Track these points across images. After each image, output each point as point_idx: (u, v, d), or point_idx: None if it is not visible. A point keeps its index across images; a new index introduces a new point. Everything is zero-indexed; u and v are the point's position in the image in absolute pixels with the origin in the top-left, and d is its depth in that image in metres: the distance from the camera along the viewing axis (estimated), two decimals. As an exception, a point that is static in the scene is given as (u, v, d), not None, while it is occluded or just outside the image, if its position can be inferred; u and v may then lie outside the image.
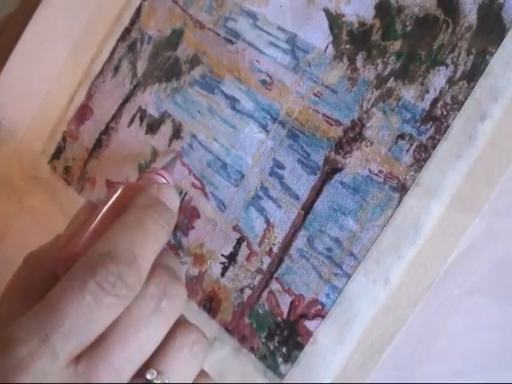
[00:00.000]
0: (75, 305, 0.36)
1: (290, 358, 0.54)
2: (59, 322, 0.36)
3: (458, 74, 0.50)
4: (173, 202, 0.47)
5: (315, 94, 0.57)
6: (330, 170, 0.55)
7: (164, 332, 0.41)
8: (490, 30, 0.50)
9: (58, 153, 0.75)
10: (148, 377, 0.39)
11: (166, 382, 0.40)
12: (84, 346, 0.37)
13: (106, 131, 0.71)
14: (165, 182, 0.54)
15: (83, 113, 0.74)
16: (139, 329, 0.39)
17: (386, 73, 0.54)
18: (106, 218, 0.44)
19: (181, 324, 0.42)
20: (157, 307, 0.40)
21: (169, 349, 0.41)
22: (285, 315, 0.55)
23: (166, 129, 0.66)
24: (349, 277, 0.52)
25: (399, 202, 0.51)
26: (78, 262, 0.39)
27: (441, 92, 0.51)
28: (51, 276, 0.44)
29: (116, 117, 0.70)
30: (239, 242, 0.58)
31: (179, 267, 0.46)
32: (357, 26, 0.56)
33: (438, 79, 0.51)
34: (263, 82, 0.60)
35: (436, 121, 0.51)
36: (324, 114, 0.56)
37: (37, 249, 0.48)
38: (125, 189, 0.46)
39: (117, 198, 0.45)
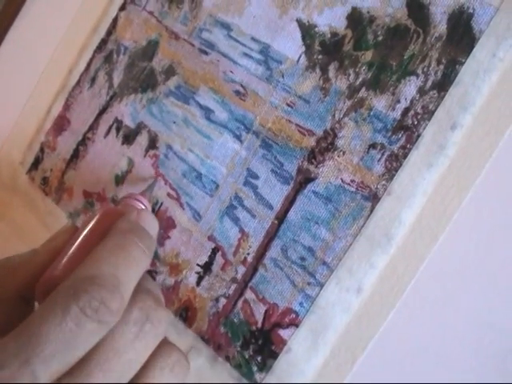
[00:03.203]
0: (57, 330, 0.36)
1: (264, 367, 0.54)
2: (40, 347, 0.35)
3: (429, 83, 0.51)
4: (152, 227, 0.48)
5: (288, 104, 0.57)
6: (303, 180, 0.55)
7: (146, 356, 0.40)
8: (459, 40, 0.50)
9: (35, 163, 0.75)
10: None
11: None
12: (65, 369, 0.37)
13: (83, 142, 0.71)
14: (142, 206, 0.54)
15: (61, 123, 0.74)
16: (122, 353, 0.39)
17: (357, 83, 0.54)
18: (86, 243, 0.44)
19: (162, 345, 0.42)
20: (140, 332, 0.40)
21: (150, 370, 0.41)
22: (259, 324, 0.55)
23: (142, 139, 0.66)
24: (322, 285, 0.52)
25: (371, 211, 0.51)
26: (60, 286, 0.38)
27: (412, 102, 0.51)
28: (21, 290, 0.44)
29: (93, 127, 0.71)
30: (214, 251, 0.59)
31: (159, 291, 0.46)
32: (329, 36, 0.57)
33: (409, 89, 0.52)
34: (237, 92, 0.61)
35: (407, 130, 0.51)
36: (297, 124, 0.57)
37: (7, 258, 0.47)
38: (104, 213, 0.46)
39: (96, 222, 0.45)
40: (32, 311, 0.46)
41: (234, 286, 0.57)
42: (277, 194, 0.56)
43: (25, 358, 0.35)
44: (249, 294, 0.56)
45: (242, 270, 0.57)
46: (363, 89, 0.54)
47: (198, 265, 0.59)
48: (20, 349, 0.35)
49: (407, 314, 0.50)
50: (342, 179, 0.53)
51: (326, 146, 0.55)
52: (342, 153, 0.54)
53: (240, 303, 0.56)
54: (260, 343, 0.54)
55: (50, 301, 0.38)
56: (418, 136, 0.50)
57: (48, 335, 0.36)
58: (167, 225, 0.62)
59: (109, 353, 0.38)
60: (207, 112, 0.62)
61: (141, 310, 0.40)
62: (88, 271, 0.39)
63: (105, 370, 0.38)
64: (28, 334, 0.36)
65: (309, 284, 0.53)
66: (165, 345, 0.42)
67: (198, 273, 0.59)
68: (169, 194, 0.63)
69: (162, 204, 0.63)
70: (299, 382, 0.52)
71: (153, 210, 0.63)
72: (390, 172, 0.51)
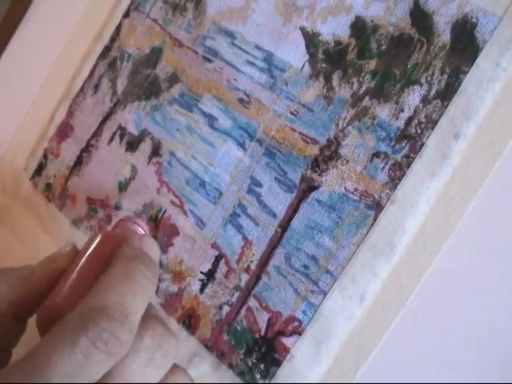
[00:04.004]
0: (65, 361, 0.35)
1: (267, 375, 0.54)
2: (48, 378, 0.35)
3: (432, 92, 0.51)
4: (154, 253, 0.47)
5: (292, 113, 0.58)
6: (307, 188, 0.55)
7: (156, 382, 0.40)
8: (463, 50, 0.50)
9: (39, 170, 0.75)
10: None
11: None
12: None
13: (87, 148, 0.71)
14: (142, 231, 0.54)
15: (64, 130, 0.74)
16: (132, 380, 0.39)
17: (361, 91, 0.54)
18: (87, 269, 0.44)
19: (171, 368, 0.42)
20: (151, 359, 0.40)
21: None
22: (262, 332, 0.55)
23: (146, 146, 0.66)
24: (325, 294, 0.53)
25: (374, 220, 0.52)
26: (67, 317, 0.38)
27: (415, 111, 0.52)
28: (14, 307, 0.44)
29: (96, 134, 0.71)
30: (217, 259, 0.59)
31: (162, 317, 0.46)
32: (333, 44, 0.57)
33: (413, 98, 0.52)
34: (241, 100, 0.61)
35: (410, 139, 0.51)
36: (300, 133, 0.57)
37: (2, 271, 0.46)
38: (104, 238, 0.46)
39: (97, 247, 0.45)
40: (24, 329, 0.46)
41: (237, 294, 0.57)
42: (280, 202, 0.56)
43: None
44: (252, 302, 0.56)
45: (245, 277, 0.57)
46: (367, 97, 0.54)
47: (201, 272, 0.59)
48: (27, 379, 0.35)
49: (410, 323, 0.50)
50: (345, 188, 0.54)
51: (329, 154, 0.55)
52: (345, 161, 0.54)
53: (243, 311, 0.56)
54: (263, 351, 0.55)
55: (57, 331, 0.37)
56: (422, 145, 0.51)
57: (56, 366, 0.35)
58: (170, 232, 0.62)
59: (119, 381, 0.38)
60: (211, 120, 0.62)
61: (152, 338, 0.40)
62: (96, 301, 0.39)
63: None
64: (36, 364, 0.35)
65: (312, 292, 0.53)
66: (173, 367, 0.42)
67: (201, 280, 0.59)
68: (172, 202, 0.63)
69: (165, 211, 0.63)
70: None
71: (156, 218, 0.63)
72: (394, 181, 0.51)
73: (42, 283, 0.45)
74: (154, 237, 0.63)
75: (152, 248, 0.47)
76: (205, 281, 0.59)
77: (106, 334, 0.37)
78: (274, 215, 0.57)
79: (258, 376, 0.54)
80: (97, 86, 0.73)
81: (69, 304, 0.39)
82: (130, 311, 0.39)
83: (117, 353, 0.37)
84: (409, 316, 0.50)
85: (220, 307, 0.58)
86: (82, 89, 0.74)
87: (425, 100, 0.51)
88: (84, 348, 0.36)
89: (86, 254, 0.45)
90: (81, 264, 0.44)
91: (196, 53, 0.65)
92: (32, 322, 0.43)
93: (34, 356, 0.36)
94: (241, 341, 0.56)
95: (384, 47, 0.54)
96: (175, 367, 0.43)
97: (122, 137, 0.68)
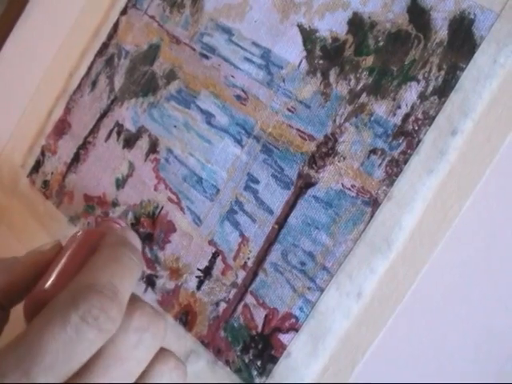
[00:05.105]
0: (56, 339, 0.35)
1: (264, 371, 0.54)
2: (40, 357, 0.35)
3: (430, 89, 0.51)
4: (137, 243, 0.49)
5: (289, 109, 0.58)
6: (304, 185, 0.55)
7: (146, 363, 0.41)
8: (460, 46, 0.50)
9: (36, 167, 0.75)
10: None
11: None
12: (66, 378, 0.36)
13: (84, 146, 0.71)
14: None
15: (61, 127, 0.74)
16: (123, 360, 0.39)
17: (358, 88, 0.54)
18: (73, 260, 0.45)
19: (159, 351, 0.42)
20: (140, 339, 0.40)
21: (149, 376, 0.41)
22: (259, 329, 0.55)
23: (143, 143, 0.66)
24: (322, 290, 0.53)
25: (371, 217, 0.51)
26: (57, 296, 0.38)
27: (412, 107, 0.52)
28: None
29: (93, 131, 0.71)
30: (214, 256, 0.59)
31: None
32: (330, 41, 0.57)
33: (410, 94, 0.52)
34: (238, 97, 0.61)
35: (407, 136, 0.51)
36: (298, 129, 0.57)
37: None
38: (87, 233, 0.47)
39: (81, 241, 0.46)
40: (7, 318, 0.47)
41: (234, 291, 0.57)
42: (277, 198, 0.56)
43: (25, 368, 0.35)
44: (249, 299, 0.56)
45: (242, 274, 0.57)
46: (364, 94, 0.54)
47: (198, 269, 0.59)
48: (20, 359, 0.35)
49: (407, 320, 0.50)
50: (342, 184, 0.53)
51: (326, 150, 0.55)
52: (342, 158, 0.54)
53: (240, 308, 0.56)
54: (260, 348, 0.55)
55: (48, 310, 0.38)
56: (419, 141, 0.51)
57: (48, 344, 0.35)
58: (167, 229, 0.62)
59: (110, 361, 0.38)
60: (208, 116, 0.62)
61: (141, 318, 0.41)
62: (86, 280, 0.39)
63: (106, 378, 0.38)
64: (27, 343, 0.36)
65: (309, 289, 0.53)
66: (161, 351, 0.43)
67: (198, 277, 0.59)
68: (169, 198, 0.63)
69: (162, 208, 0.63)
70: (299, 387, 0.52)
71: (153, 214, 0.63)
72: (391, 177, 0.51)
73: (25, 274, 0.46)
74: (152, 234, 0.63)
75: (134, 239, 0.49)
76: (202, 278, 0.59)
77: (96, 309, 0.37)
78: (271, 212, 0.57)
79: (255, 373, 0.54)
80: (94, 83, 0.73)
81: (57, 291, 0.40)
82: (118, 290, 0.39)
83: (107, 329, 0.38)
84: (406, 313, 0.50)
85: (217, 304, 0.58)
86: (79, 86, 0.74)
87: (422, 96, 0.51)
88: (75, 325, 0.36)
89: (72, 246, 0.46)
90: (68, 254, 0.45)
91: (193, 49, 0.65)
92: (19, 314, 0.44)
93: (27, 335, 0.36)
94: (237, 337, 0.56)
95: (381, 44, 0.54)
96: (163, 350, 0.43)
97: (119, 134, 0.68)
